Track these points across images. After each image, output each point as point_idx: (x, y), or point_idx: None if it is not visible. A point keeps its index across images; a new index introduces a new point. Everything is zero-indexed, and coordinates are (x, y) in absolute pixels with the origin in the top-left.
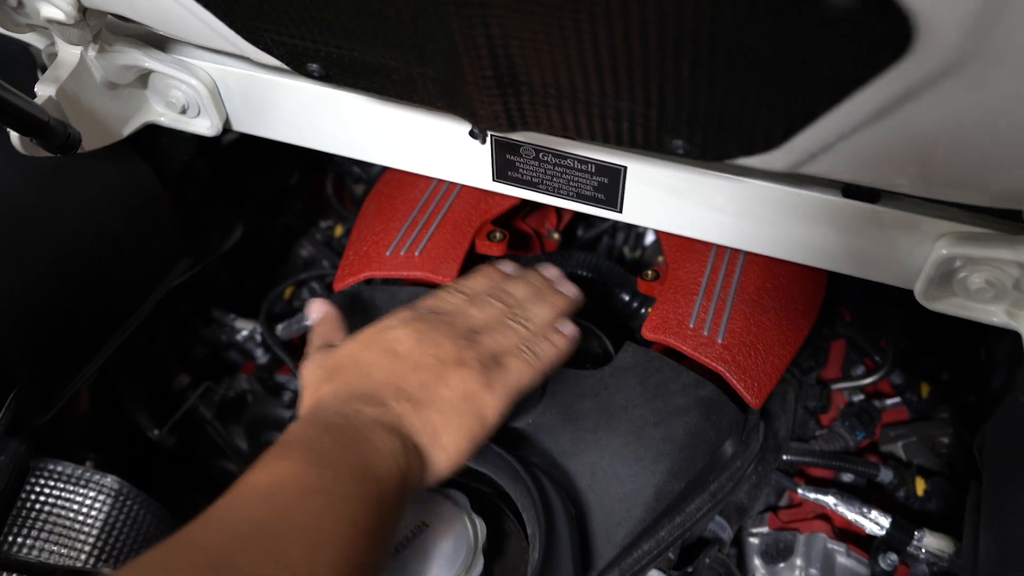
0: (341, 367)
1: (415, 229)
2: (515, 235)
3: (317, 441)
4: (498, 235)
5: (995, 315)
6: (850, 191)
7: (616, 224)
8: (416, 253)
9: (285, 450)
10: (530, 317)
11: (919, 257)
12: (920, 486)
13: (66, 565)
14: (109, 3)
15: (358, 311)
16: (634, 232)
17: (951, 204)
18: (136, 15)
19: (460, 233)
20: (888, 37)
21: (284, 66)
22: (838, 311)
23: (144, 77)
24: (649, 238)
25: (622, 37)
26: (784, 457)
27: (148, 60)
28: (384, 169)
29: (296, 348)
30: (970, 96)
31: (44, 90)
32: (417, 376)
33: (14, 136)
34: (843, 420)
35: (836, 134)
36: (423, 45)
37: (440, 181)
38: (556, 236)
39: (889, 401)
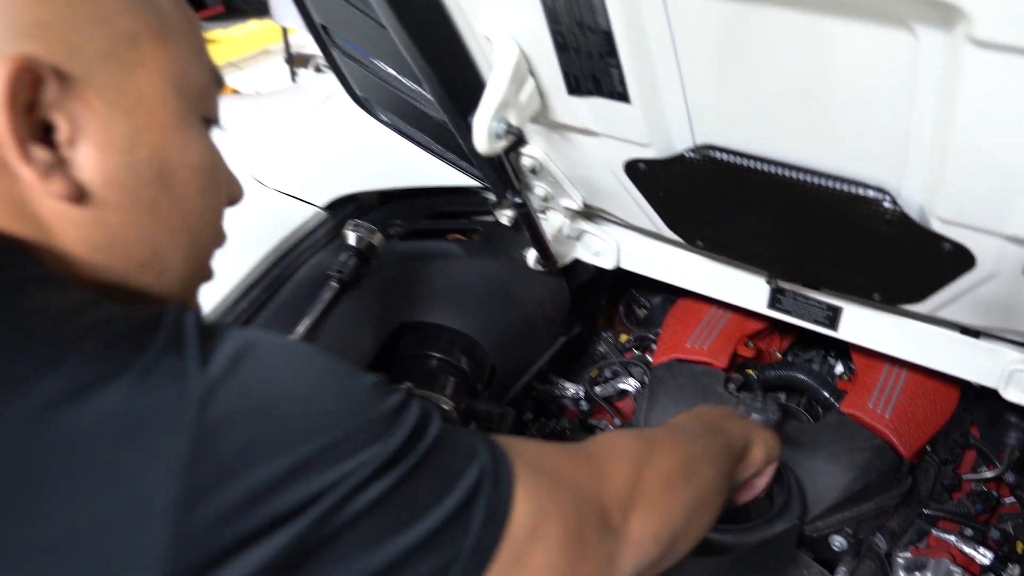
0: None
1: (703, 334)
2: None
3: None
4: (750, 344)
5: None
6: (963, 330)
7: (811, 357)
8: (705, 347)
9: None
10: None
11: (1003, 368)
12: (1020, 547)
13: None
14: (603, 203)
15: (668, 376)
16: (827, 364)
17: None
18: (616, 211)
19: (729, 340)
20: (964, 262)
21: (668, 236)
22: (970, 428)
23: (580, 234)
24: (838, 370)
25: (869, 263)
26: (925, 511)
27: (589, 227)
28: (664, 300)
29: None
30: (1007, 286)
31: (546, 236)
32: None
33: (531, 256)
34: (968, 497)
35: (946, 299)
36: (770, 245)
37: (716, 309)
38: (778, 355)
39: (1007, 499)
